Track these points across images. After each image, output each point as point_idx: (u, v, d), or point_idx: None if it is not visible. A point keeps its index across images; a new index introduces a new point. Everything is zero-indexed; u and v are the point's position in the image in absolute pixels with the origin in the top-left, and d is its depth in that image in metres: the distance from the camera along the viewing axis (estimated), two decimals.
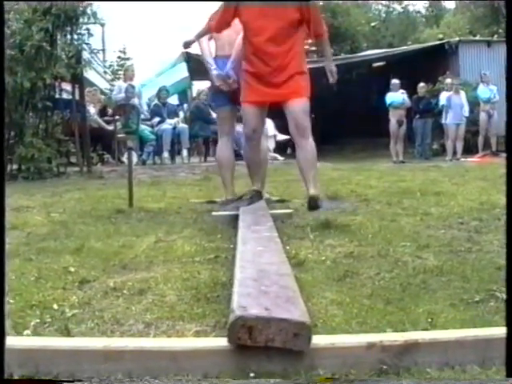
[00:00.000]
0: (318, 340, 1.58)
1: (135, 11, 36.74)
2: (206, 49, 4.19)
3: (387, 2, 25.18)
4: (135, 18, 39.70)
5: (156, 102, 10.26)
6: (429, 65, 13.09)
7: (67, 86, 8.26)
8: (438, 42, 14.18)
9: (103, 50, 16.28)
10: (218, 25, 3.80)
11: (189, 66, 12.34)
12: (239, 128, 4.66)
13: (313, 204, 3.54)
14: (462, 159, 10.69)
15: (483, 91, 11.35)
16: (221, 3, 3.82)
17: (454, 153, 11.10)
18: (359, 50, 18.85)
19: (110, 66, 19.70)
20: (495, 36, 14.83)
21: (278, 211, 3.93)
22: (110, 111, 10.09)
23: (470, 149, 11.49)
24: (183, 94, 13.76)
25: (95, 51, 9.67)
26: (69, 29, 7.67)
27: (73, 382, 1.47)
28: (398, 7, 25.48)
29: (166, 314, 1.97)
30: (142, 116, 9.78)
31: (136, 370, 1.51)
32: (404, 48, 15.44)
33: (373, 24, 23.11)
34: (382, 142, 12.36)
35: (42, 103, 7.51)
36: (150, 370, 1.51)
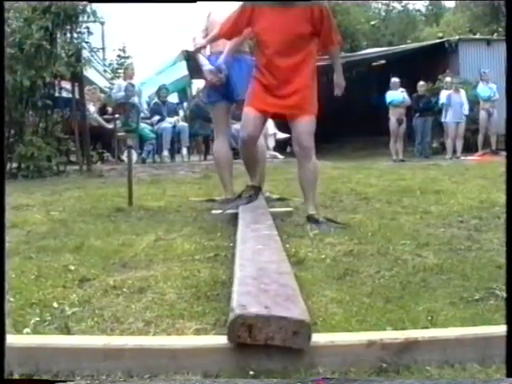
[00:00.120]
0: (318, 338, 1.58)
1: (135, 10, 36.70)
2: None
3: (387, 1, 25.20)
4: (135, 16, 39.64)
5: (156, 100, 10.24)
6: (428, 63, 13.09)
7: (67, 85, 8.23)
8: (438, 41, 14.19)
9: (103, 49, 16.26)
10: (229, 31, 3.78)
11: (188, 64, 12.31)
12: (237, 126, 4.65)
13: (312, 222, 3.56)
14: (462, 158, 10.69)
15: (483, 90, 11.36)
16: (236, 7, 3.77)
17: (454, 151, 11.11)
18: (359, 48, 18.89)
19: (110, 64, 19.70)
20: (495, 34, 14.86)
21: (277, 209, 3.93)
22: (109, 110, 10.05)
23: (469, 147, 11.49)
24: (183, 93, 13.74)
25: (95, 50, 9.66)
26: (68, 27, 7.64)
27: (73, 381, 1.47)
28: (397, 6, 25.54)
29: (166, 312, 1.97)
30: (142, 114, 9.78)
31: (136, 368, 1.51)
32: (404, 46, 15.44)
33: (372, 22, 23.15)
34: (381, 141, 12.35)
35: (42, 102, 7.48)
36: (149, 368, 1.51)
